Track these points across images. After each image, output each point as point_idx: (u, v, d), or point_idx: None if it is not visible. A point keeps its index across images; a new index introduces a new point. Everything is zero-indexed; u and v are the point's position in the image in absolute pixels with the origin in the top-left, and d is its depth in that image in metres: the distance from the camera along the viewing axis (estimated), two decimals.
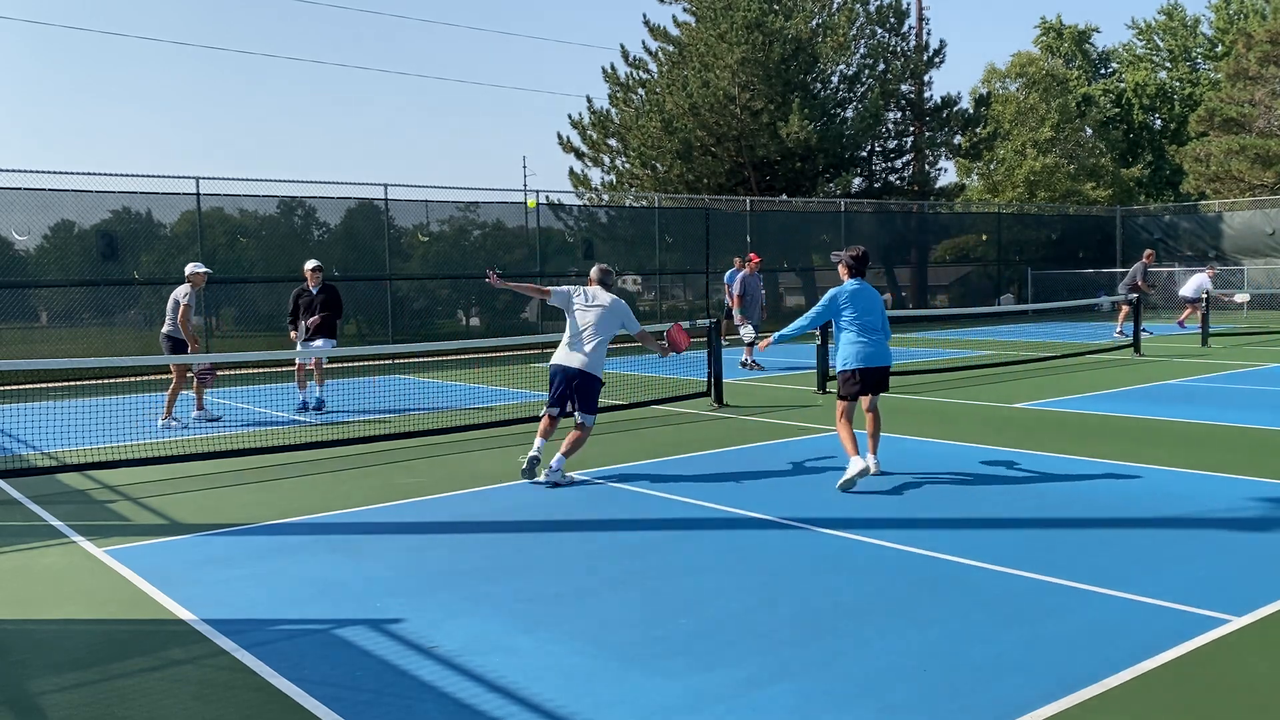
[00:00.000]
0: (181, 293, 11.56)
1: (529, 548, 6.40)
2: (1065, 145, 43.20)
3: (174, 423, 11.40)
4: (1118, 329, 21.33)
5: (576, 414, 8.33)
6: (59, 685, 4.37)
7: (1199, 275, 22.39)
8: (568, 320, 8.49)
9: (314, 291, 12.62)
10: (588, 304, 8.46)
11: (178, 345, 11.51)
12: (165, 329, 11.65)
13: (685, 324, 10.00)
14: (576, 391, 8.28)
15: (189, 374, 11.82)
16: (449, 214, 23.20)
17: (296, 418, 12.11)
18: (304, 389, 12.79)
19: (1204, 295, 20.71)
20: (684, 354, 9.86)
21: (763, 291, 17.46)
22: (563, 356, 8.35)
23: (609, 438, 10.35)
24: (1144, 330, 21.19)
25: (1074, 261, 34.32)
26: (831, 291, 8.12)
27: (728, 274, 17.62)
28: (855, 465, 7.54)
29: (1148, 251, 22.02)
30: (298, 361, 12.80)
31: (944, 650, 4.50)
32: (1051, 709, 3.89)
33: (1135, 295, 19.24)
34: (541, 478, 8.12)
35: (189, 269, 11.86)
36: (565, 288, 8.57)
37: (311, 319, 12.44)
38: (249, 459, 9.40)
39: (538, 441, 8.30)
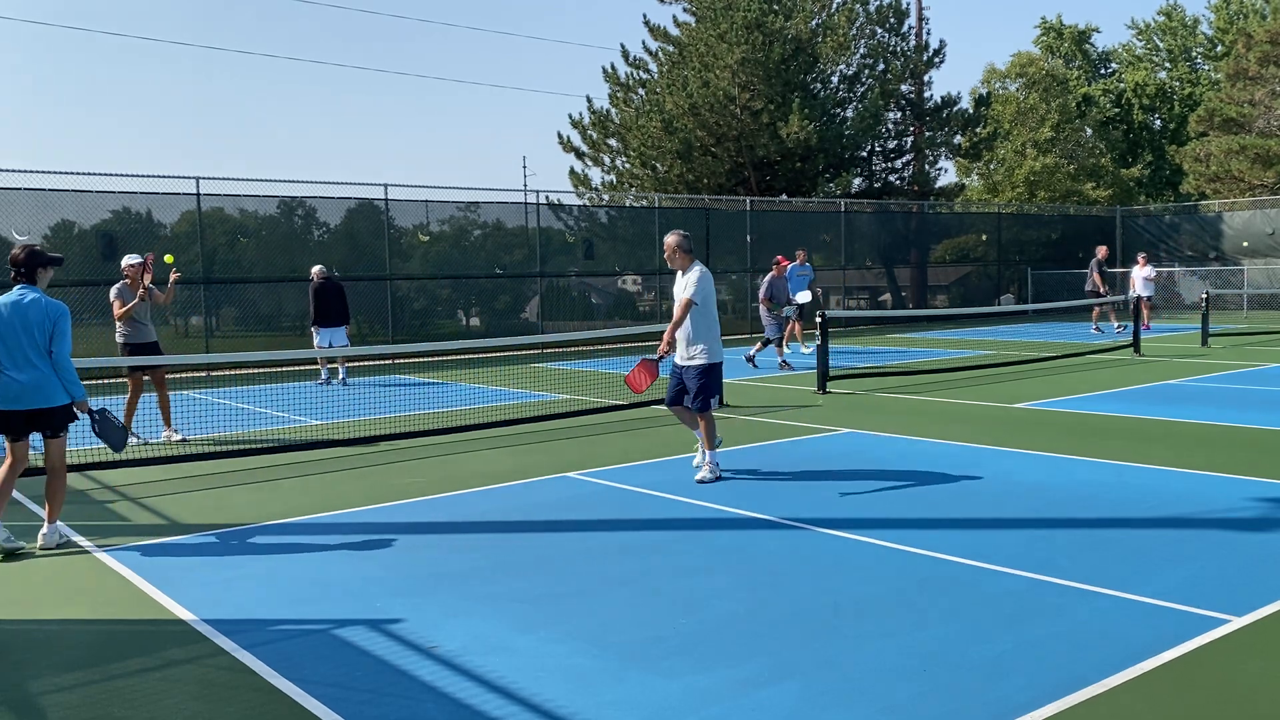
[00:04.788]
0: (113, 292, 10.43)
1: (529, 548, 6.40)
2: (1065, 145, 43.16)
3: (174, 434, 10.66)
4: (1118, 327, 21.66)
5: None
6: (59, 685, 4.37)
7: (1137, 270, 22.21)
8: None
9: None
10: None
11: (135, 349, 10.40)
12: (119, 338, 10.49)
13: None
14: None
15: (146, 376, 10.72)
16: (449, 214, 23.20)
17: (295, 418, 12.12)
18: None
19: (1147, 294, 21.04)
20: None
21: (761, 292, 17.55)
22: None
23: (609, 438, 10.36)
24: (1122, 327, 21.36)
25: (1074, 261, 34.29)
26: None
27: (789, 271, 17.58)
28: None
29: (1100, 248, 22.26)
30: None
31: (944, 650, 4.50)
32: (1051, 709, 3.89)
33: (1137, 295, 19.38)
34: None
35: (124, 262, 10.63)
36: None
37: None
38: (249, 459, 9.40)
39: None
